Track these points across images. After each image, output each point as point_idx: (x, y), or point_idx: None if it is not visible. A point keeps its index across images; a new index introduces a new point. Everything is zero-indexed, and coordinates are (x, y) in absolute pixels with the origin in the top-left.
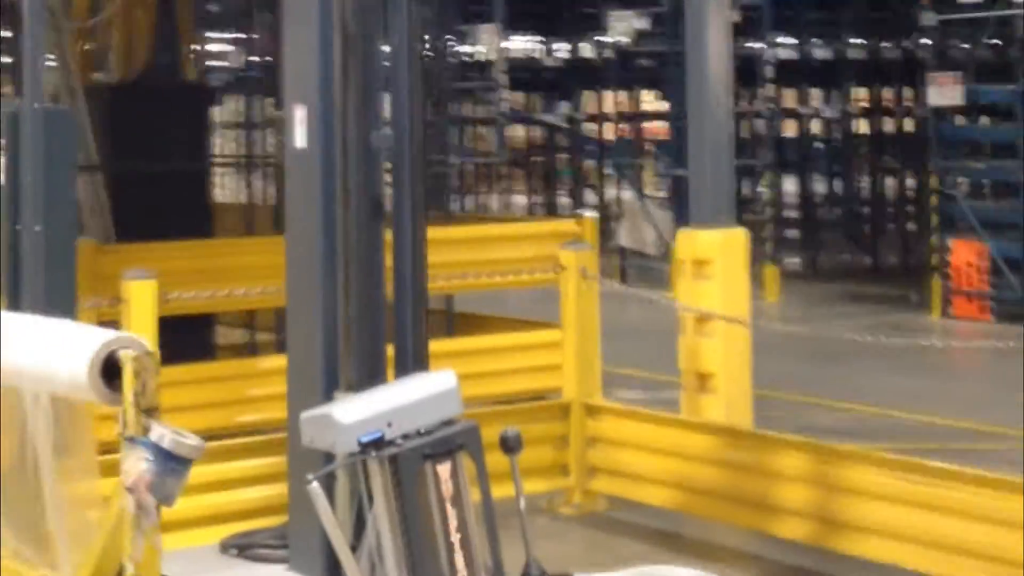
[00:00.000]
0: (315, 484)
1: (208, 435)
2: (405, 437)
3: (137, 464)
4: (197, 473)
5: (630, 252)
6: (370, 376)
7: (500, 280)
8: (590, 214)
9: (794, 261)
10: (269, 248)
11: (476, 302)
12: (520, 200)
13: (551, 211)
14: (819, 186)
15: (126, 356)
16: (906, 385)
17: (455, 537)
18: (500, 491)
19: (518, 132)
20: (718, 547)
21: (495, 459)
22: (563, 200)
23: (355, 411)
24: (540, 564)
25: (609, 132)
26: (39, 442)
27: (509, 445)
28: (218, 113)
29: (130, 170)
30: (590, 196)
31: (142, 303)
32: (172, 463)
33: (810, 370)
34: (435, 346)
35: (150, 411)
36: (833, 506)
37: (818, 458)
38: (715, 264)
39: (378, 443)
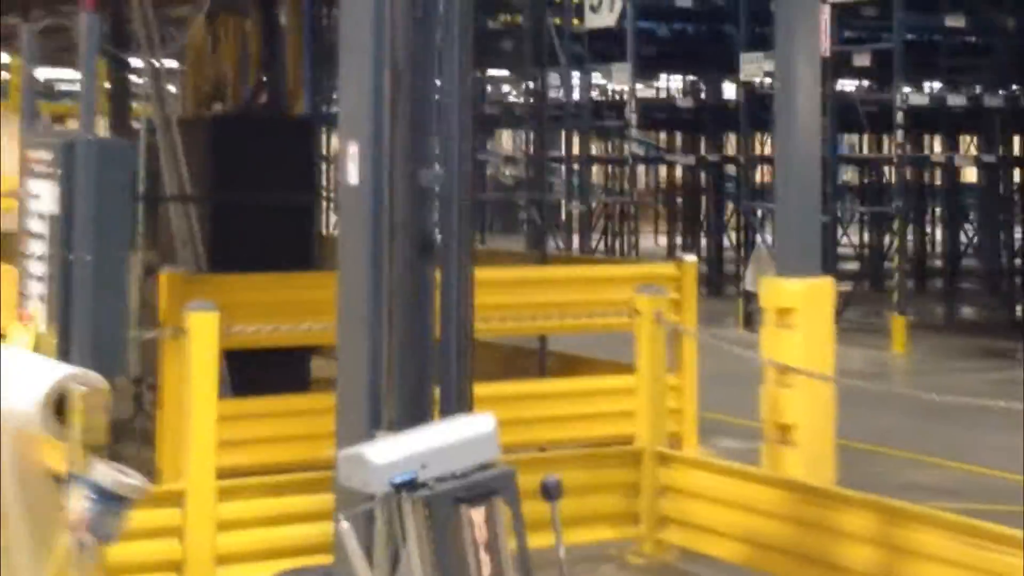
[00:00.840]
0: (345, 524)
1: (281, 469)
2: (439, 480)
3: (79, 502)
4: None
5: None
6: (414, 416)
7: (573, 323)
8: (690, 258)
9: (934, 312)
10: None
11: (589, 344)
12: (650, 242)
13: (690, 251)
14: (965, 236)
15: (75, 393)
16: (1018, 445)
17: None
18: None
19: (662, 172)
20: None
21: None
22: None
23: (389, 452)
24: None
25: (757, 175)
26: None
27: (549, 492)
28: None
29: (233, 201)
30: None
31: (202, 335)
32: (112, 502)
33: (920, 425)
34: (488, 389)
35: (96, 449)
36: (896, 568)
37: (883, 518)
38: (798, 313)
39: (411, 485)
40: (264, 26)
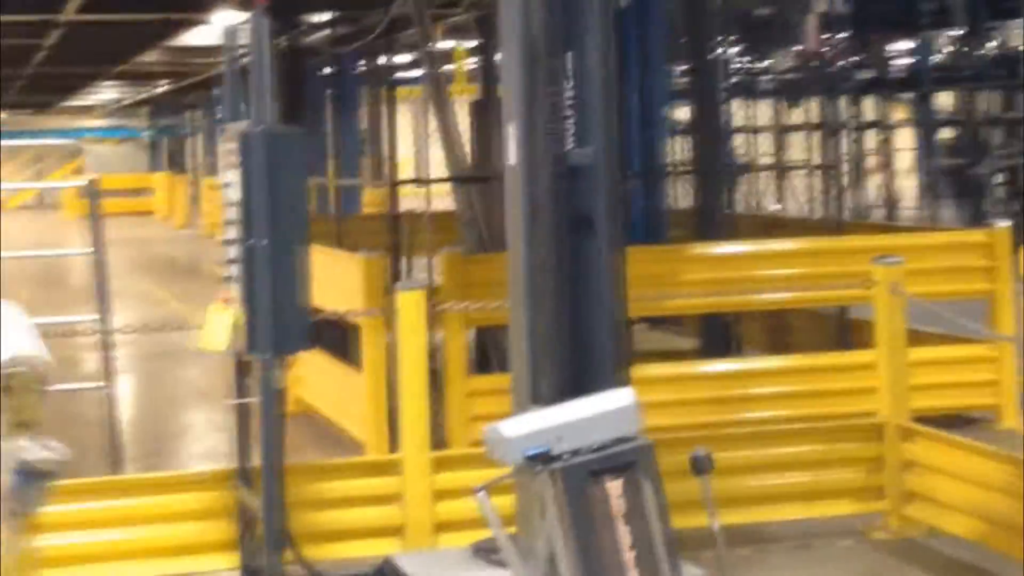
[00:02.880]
0: (481, 493)
1: None
2: (574, 453)
3: (6, 475)
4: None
5: None
6: (572, 391)
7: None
8: (1003, 223)
9: None
10: None
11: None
12: None
13: None
14: None
15: (10, 372)
16: None
17: (628, 555)
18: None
19: None
20: None
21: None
22: None
23: (523, 426)
24: None
25: None
26: None
27: (699, 467)
28: None
29: None
30: None
31: (410, 312)
32: (34, 475)
33: None
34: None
35: (24, 425)
36: None
37: None
38: None
39: (544, 457)
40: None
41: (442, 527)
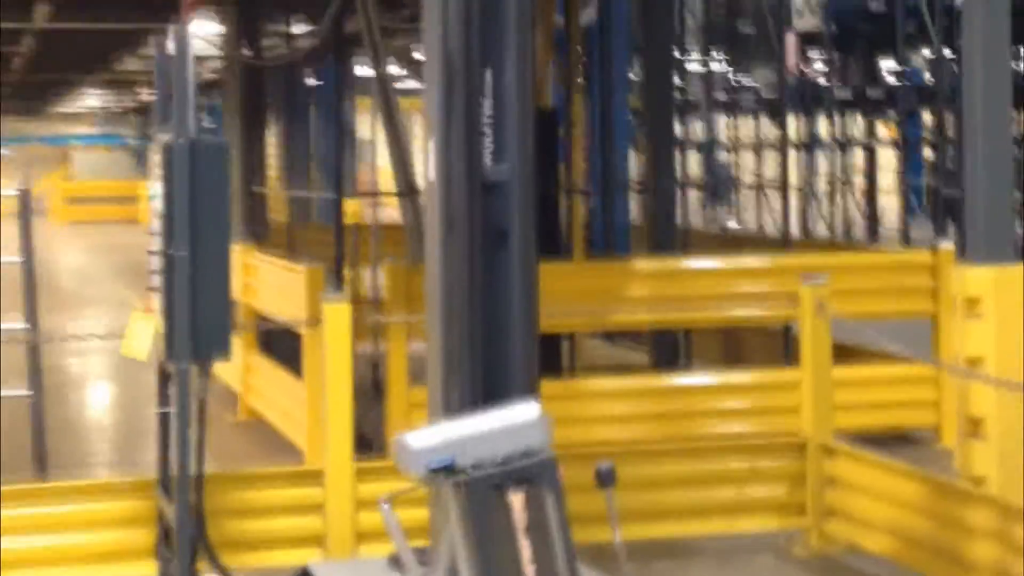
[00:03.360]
0: (385, 505)
1: None
2: (477, 466)
3: None
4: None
5: None
6: (481, 402)
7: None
8: (946, 244)
9: None
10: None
11: None
12: None
13: None
14: None
15: None
16: None
17: (529, 568)
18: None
19: None
20: None
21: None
22: None
23: (428, 438)
24: None
25: None
26: None
27: (603, 479)
28: None
29: None
30: None
31: (336, 325)
32: None
33: None
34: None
35: None
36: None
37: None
38: (986, 303)
39: (448, 469)
40: None
41: (364, 537)
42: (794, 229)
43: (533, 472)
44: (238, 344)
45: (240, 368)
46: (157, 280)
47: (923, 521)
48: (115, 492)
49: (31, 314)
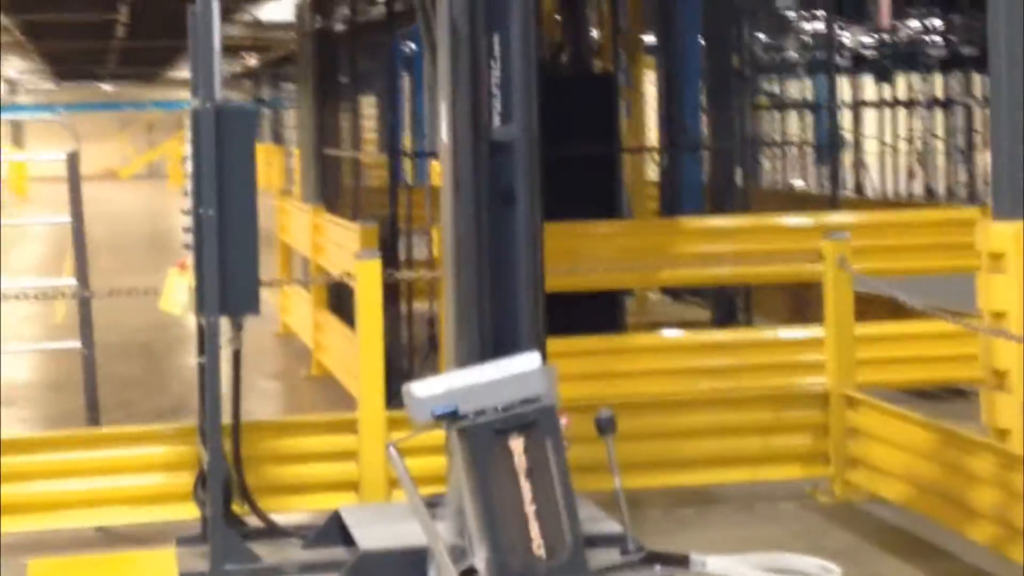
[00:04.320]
0: (392, 449)
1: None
2: (479, 412)
3: None
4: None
5: None
6: (489, 354)
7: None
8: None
9: None
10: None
11: None
12: None
13: None
14: None
15: None
16: None
17: (530, 508)
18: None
19: None
20: (929, 546)
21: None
22: None
23: (433, 386)
24: (639, 541)
25: None
26: None
27: (602, 427)
28: None
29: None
30: None
31: (368, 280)
32: None
33: None
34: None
35: None
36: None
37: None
38: (1010, 258)
39: (451, 416)
40: None
41: (396, 483)
42: (893, 188)
43: (533, 418)
44: (308, 302)
45: (310, 325)
46: (190, 238)
47: (934, 469)
48: (160, 438)
49: (81, 271)
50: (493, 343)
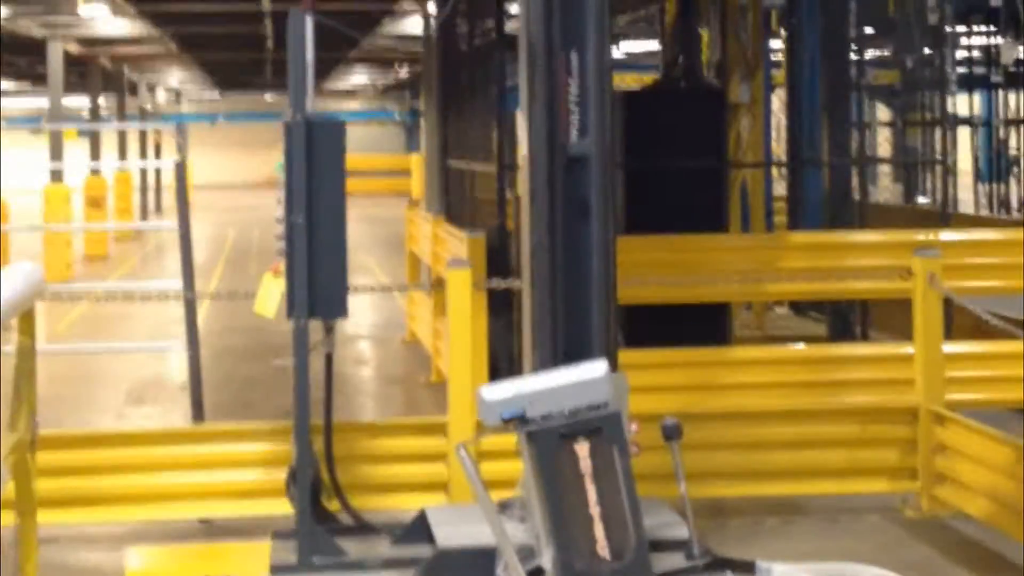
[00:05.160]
0: (461, 450)
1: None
2: (546, 417)
3: None
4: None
5: None
6: (563, 360)
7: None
8: None
9: None
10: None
11: None
12: None
13: None
14: None
15: None
16: None
17: (595, 510)
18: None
19: None
20: (1003, 561)
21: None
22: None
23: (502, 391)
24: (705, 545)
25: None
26: None
27: (668, 434)
28: None
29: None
30: None
31: (458, 289)
32: None
33: None
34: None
35: None
36: None
37: None
38: None
39: (518, 420)
40: (680, 4)
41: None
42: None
43: (598, 424)
44: (429, 309)
45: (431, 332)
46: (282, 244)
47: (1015, 486)
48: (257, 436)
49: (187, 275)
50: (565, 351)
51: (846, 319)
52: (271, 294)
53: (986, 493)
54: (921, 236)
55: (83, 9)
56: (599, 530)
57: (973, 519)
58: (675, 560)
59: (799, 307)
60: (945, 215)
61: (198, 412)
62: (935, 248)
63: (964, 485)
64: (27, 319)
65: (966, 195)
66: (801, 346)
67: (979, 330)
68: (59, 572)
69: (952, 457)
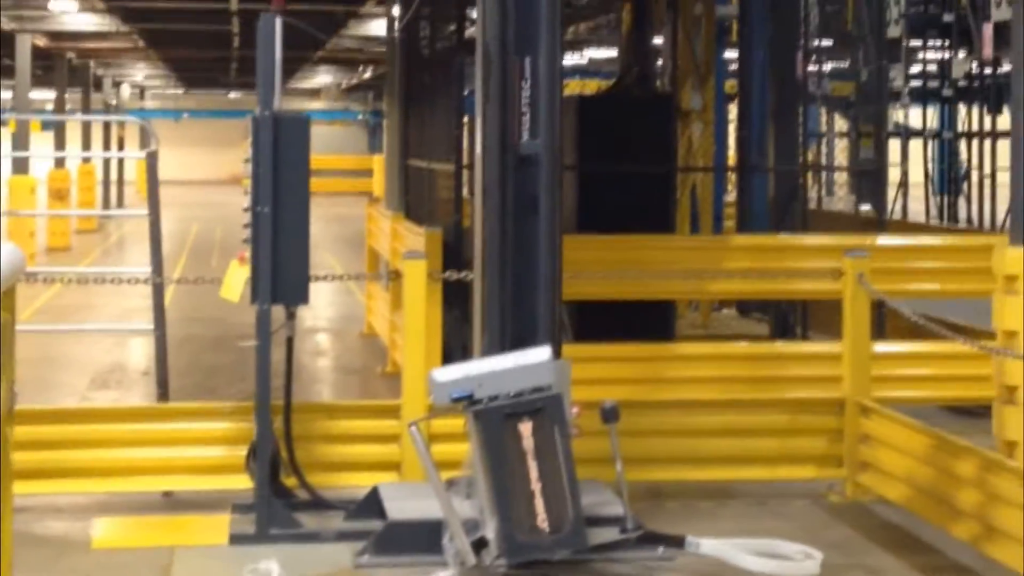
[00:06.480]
0: (412, 428)
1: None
2: (492, 398)
3: None
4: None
5: None
6: (509, 346)
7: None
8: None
9: None
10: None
11: None
12: None
13: None
14: None
15: None
16: None
17: (536, 485)
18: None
19: None
20: (917, 541)
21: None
22: None
23: (452, 373)
24: (638, 520)
25: None
26: None
27: (606, 416)
28: None
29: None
30: None
31: (413, 278)
32: None
33: None
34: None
35: None
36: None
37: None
38: (1021, 281)
39: (466, 400)
40: (635, 13)
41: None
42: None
43: (541, 405)
44: (386, 302)
45: (388, 325)
46: (248, 233)
47: (929, 472)
48: (219, 414)
49: (156, 260)
50: (512, 337)
51: (786, 320)
52: (236, 280)
53: (905, 479)
54: (856, 240)
55: (53, 3)
56: (539, 504)
57: (893, 504)
58: (610, 534)
59: (744, 309)
60: (881, 221)
61: (163, 393)
62: (865, 250)
63: (885, 472)
64: (8, 296)
65: (919, 206)
66: (742, 344)
67: (913, 332)
68: (28, 540)
69: (875, 446)
